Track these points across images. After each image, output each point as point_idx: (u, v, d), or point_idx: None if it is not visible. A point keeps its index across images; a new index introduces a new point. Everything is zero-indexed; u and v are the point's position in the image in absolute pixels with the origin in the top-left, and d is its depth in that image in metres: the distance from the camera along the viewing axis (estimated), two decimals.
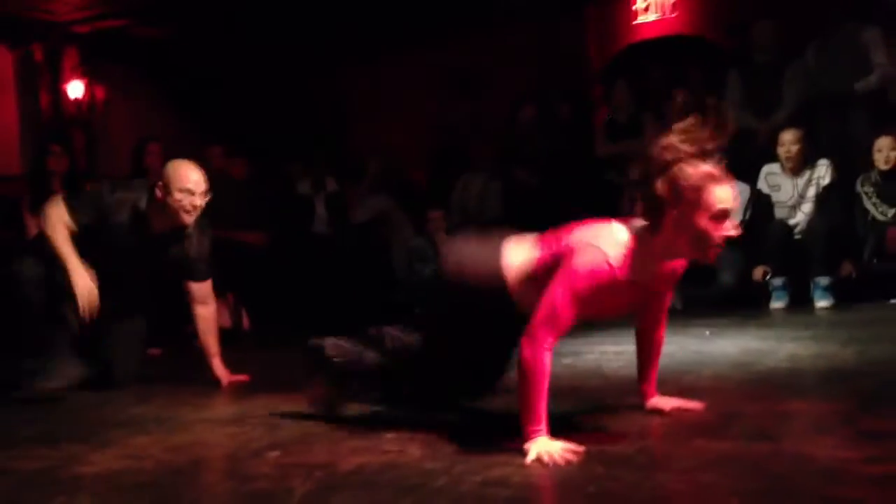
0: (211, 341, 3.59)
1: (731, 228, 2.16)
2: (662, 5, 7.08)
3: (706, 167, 2.12)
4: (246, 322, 5.89)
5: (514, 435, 2.22)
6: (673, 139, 2.14)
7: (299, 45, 7.46)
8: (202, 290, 3.61)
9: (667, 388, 2.70)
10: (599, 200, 6.29)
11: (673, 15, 7.04)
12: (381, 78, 7.97)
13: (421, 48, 7.62)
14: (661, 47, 7.13)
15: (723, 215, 2.12)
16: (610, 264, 2.16)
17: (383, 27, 7.28)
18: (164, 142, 5.53)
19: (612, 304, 2.26)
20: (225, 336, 4.92)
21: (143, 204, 3.48)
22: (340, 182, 6.90)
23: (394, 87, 7.91)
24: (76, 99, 7.39)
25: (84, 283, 3.37)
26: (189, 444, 2.53)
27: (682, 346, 3.77)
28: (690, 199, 2.10)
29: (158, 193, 3.43)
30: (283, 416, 2.82)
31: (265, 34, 7.21)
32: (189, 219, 3.44)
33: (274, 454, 2.34)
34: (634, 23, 7.21)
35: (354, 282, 6.26)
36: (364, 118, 7.98)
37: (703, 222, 2.11)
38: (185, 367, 4.04)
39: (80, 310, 3.37)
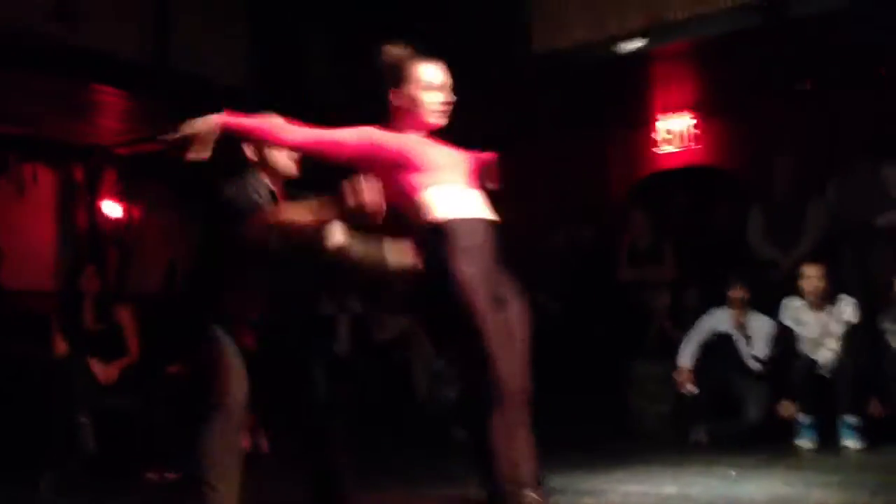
0: None
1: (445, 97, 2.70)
2: (683, 136, 7.23)
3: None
4: (265, 445, 5.83)
5: None
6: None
7: None
8: None
9: None
10: (621, 325, 6.31)
11: (694, 146, 7.18)
12: None
13: None
14: (684, 176, 7.23)
15: (430, 87, 2.69)
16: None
17: None
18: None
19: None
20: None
21: None
22: (364, 303, 6.94)
23: None
24: (112, 218, 7.61)
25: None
26: None
27: (707, 489, 3.68)
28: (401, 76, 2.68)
29: None
30: None
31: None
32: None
33: None
34: (656, 151, 7.35)
35: (377, 405, 6.22)
36: None
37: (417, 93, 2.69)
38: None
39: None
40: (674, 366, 5.49)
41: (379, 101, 2.82)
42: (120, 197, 7.58)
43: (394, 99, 2.73)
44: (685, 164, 7.24)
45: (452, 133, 2.93)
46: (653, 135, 7.32)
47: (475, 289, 2.46)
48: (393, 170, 2.63)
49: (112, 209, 7.56)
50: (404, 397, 6.48)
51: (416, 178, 2.59)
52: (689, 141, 7.19)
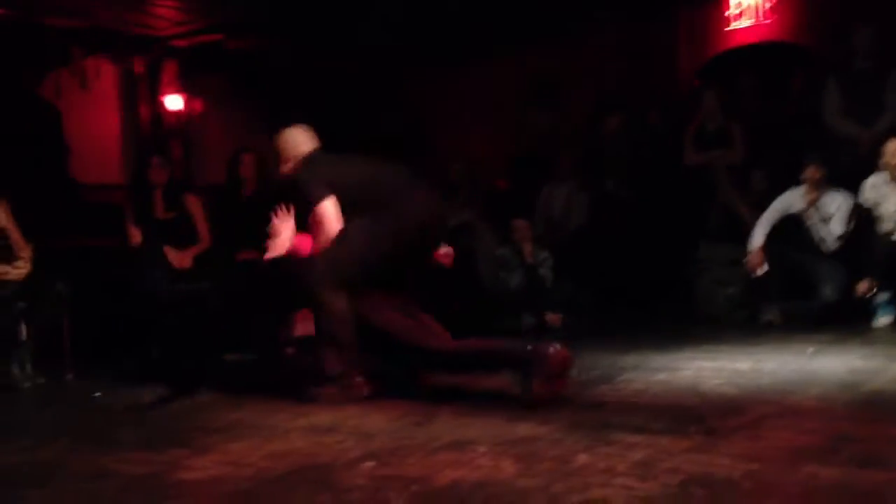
0: None
1: None
2: (757, 10, 6.87)
3: None
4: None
5: (613, 452, 2.18)
6: None
7: (385, 54, 7.52)
8: None
9: (771, 407, 2.61)
10: (688, 211, 6.19)
11: (767, 21, 6.83)
12: (462, 84, 7.95)
13: (503, 54, 7.57)
14: (755, 53, 6.92)
15: None
16: None
17: (466, 34, 7.27)
18: (258, 151, 5.66)
19: None
20: (309, 343, 5.03)
21: None
22: None
23: (475, 93, 7.89)
24: (174, 111, 7.65)
25: None
26: (285, 453, 2.57)
27: (783, 364, 3.65)
28: None
29: None
30: (377, 424, 2.83)
31: (353, 42, 7.29)
32: None
33: (369, 465, 2.36)
34: (727, 29, 7.02)
35: (439, 291, 6.27)
36: (445, 125, 7.99)
37: None
38: (280, 373, 4.12)
39: None
40: (742, 248, 5.39)
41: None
42: (181, 89, 7.59)
43: None
44: (758, 39, 6.92)
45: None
46: (725, 12, 6.98)
47: None
48: None
49: (174, 102, 7.59)
50: (469, 284, 6.53)
51: None
52: (762, 15, 6.84)
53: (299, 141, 3.67)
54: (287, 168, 3.64)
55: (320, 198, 3.40)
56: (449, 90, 7.98)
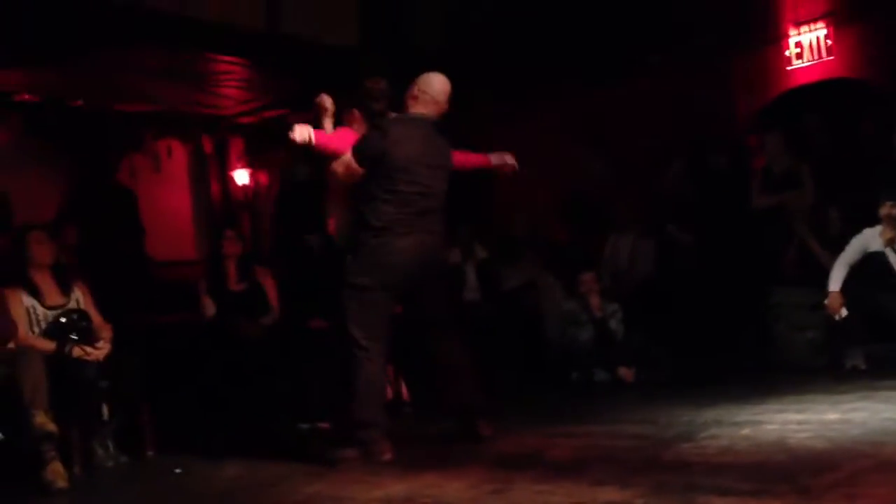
0: None
1: None
2: (817, 48, 6.78)
3: None
4: (405, 393, 5.95)
5: None
6: None
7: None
8: None
9: (866, 461, 2.49)
10: (758, 255, 6.05)
11: (829, 58, 6.73)
12: (518, 133, 7.98)
13: (557, 100, 7.57)
14: (819, 92, 6.81)
15: None
16: None
17: (521, 81, 7.33)
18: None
19: None
20: (388, 408, 5.02)
21: None
22: (489, 250, 6.93)
23: (532, 142, 7.91)
24: (242, 185, 7.90)
25: None
26: None
27: (874, 413, 3.49)
28: None
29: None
30: (454, 493, 2.79)
31: None
32: None
33: None
34: (788, 69, 6.94)
35: (507, 349, 6.23)
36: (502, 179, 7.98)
37: None
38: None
39: None
40: (819, 291, 5.22)
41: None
42: (247, 164, 7.83)
43: None
44: (820, 78, 6.80)
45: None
46: (784, 51, 6.90)
47: None
48: None
49: (241, 177, 7.83)
50: (535, 341, 6.47)
51: None
52: (823, 53, 6.74)
53: (439, 90, 3.72)
54: (422, 107, 3.70)
55: (361, 153, 3.58)
56: (503, 139, 8.00)
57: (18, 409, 3.73)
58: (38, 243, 4.29)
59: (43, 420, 3.69)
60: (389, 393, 5.71)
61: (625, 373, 5.60)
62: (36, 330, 4.13)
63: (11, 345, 4.01)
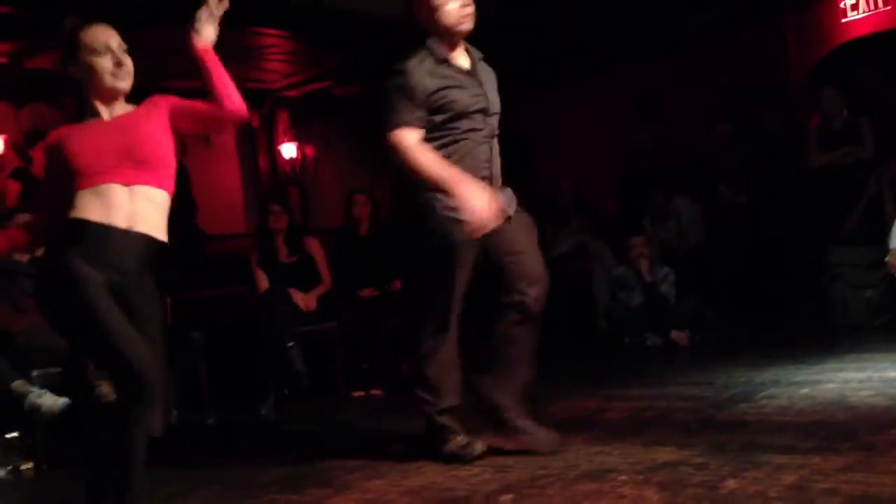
0: None
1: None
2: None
3: None
4: None
5: (763, 475, 2.07)
6: None
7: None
8: None
9: None
10: (814, 215, 5.91)
11: (887, 8, 6.49)
12: (563, 105, 7.89)
13: (604, 71, 7.47)
14: (875, 45, 6.58)
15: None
16: None
17: (565, 54, 7.23)
18: (369, 190, 5.80)
19: None
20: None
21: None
22: (536, 217, 6.88)
23: (577, 113, 7.81)
24: (289, 158, 7.96)
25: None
26: (423, 488, 2.58)
27: None
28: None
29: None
30: (511, 455, 2.81)
31: None
32: None
33: (507, 497, 2.33)
34: (843, 21, 6.72)
35: (557, 315, 6.21)
36: (548, 148, 7.93)
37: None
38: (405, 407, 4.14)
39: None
40: (881, 249, 5.09)
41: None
42: (294, 137, 7.88)
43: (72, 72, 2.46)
44: (875, 30, 6.58)
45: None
46: (838, 3, 6.68)
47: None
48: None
49: (289, 150, 7.89)
50: (585, 307, 6.44)
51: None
52: (879, 4, 6.51)
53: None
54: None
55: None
56: (552, 110, 7.94)
57: (83, 380, 3.85)
58: None
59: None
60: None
61: (678, 336, 5.54)
62: None
63: None
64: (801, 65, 7.05)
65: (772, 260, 5.81)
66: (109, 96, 2.43)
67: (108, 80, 2.40)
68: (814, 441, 2.51)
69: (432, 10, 2.93)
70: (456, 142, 2.90)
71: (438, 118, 2.88)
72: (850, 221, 5.74)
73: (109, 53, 2.40)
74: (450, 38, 2.95)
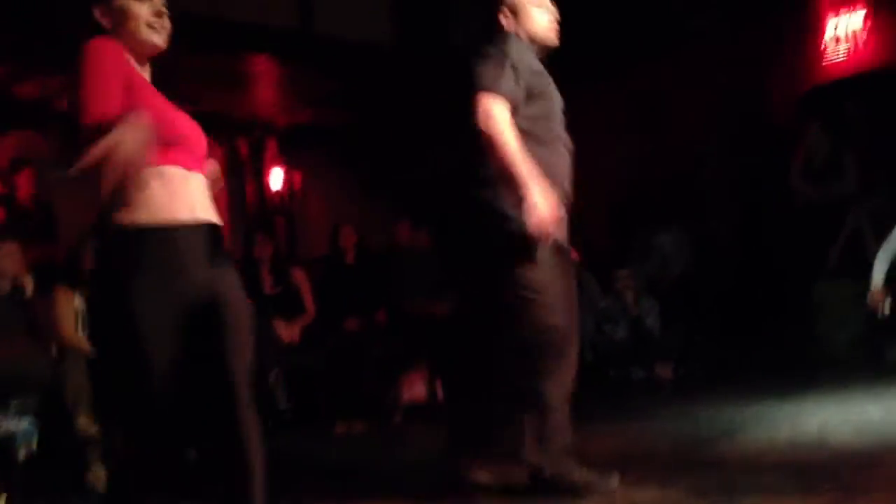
0: None
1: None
2: (854, 36, 6.62)
3: None
4: (440, 394, 5.95)
5: None
6: None
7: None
8: None
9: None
10: (799, 248, 5.94)
11: (867, 46, 6.55)
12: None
13: (599, 80, 7.39)
14: (858, 80, 6.65)
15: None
16: None
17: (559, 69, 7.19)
18: (356, 220, 5.80)
19: None
20: (422, 410, 5.04)
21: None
22: None
23: (571, 127, 7.74)
24: (277, 188, 7.94)
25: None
26: None
27: None
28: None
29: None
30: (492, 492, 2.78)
31: (439, 118, 7.40)
32: None
33: None
34: (823, 57, 6.78)
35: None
36: None
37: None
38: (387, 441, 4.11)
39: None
40: (863, 284, 5.12)
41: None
42: (281, 164, 7.87)
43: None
44: (858, 68, 6.66)
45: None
46: (822, 39, 6.75)
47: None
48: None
49: (276, 178, 7.88)
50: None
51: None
52: (860, 42, 6.58)
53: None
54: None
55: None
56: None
57: (61, 411, 3.79)
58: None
59: (85, 423, 3.74)
60: (424, 393, 5.72)
61: (662, 370, 5.54)
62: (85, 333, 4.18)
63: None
64: (782, 99, 7.08)
65: (757, 293, 5.83)
66: (141, 52, 1.98)
67: (144, 31, 1.97)
68: (794, 483, 2.50)
69: (517, 13, 2.76)
70: (545, 144, 2.67)
71: (532, 110, 2.65)
72: (832, 256, 5.78)
73: (150, 0, 1.99)
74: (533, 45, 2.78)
